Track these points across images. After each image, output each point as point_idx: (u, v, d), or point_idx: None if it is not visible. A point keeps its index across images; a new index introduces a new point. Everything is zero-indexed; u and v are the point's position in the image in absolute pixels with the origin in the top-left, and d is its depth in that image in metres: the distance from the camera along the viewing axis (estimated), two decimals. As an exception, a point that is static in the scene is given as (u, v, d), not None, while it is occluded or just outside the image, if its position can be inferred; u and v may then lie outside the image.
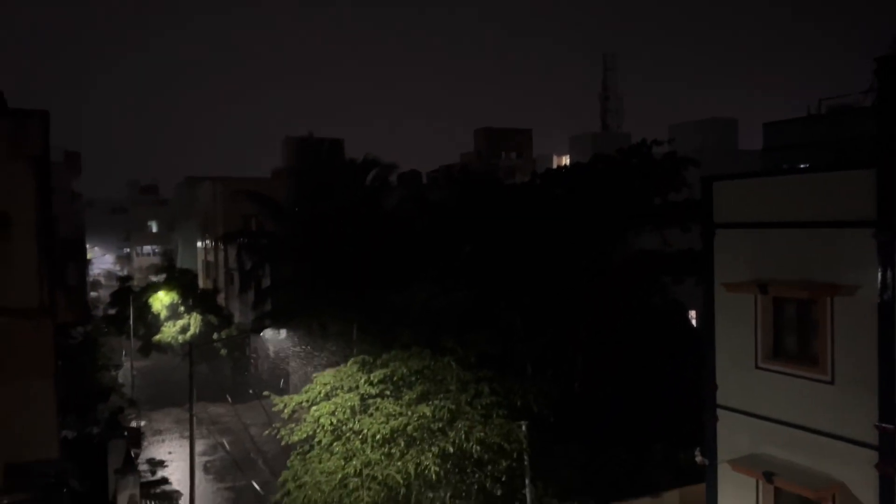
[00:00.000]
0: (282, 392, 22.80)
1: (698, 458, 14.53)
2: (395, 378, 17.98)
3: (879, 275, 11.07)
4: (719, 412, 14.01)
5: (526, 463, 16.44)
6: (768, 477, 12.36)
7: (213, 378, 28.99)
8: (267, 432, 19.56)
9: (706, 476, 14.38)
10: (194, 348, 15.50)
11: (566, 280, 22.29)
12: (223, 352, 39.93)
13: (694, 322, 28.51)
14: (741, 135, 39.58)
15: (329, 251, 29.47)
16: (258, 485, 19.55)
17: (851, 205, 11.63)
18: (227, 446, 28.50)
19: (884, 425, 11.01)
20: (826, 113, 27.21)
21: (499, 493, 17.03)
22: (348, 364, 19.25)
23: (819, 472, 12.01)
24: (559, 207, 22.93)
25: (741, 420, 13.51)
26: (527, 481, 16.18)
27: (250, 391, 26.73)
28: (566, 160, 49.39)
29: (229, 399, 23.66)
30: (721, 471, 13.82)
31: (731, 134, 38.42)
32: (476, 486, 17.15)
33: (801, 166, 21.68)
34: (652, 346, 22.43)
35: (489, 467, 16.98)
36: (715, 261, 14.12)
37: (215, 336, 39.33)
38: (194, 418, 15.32)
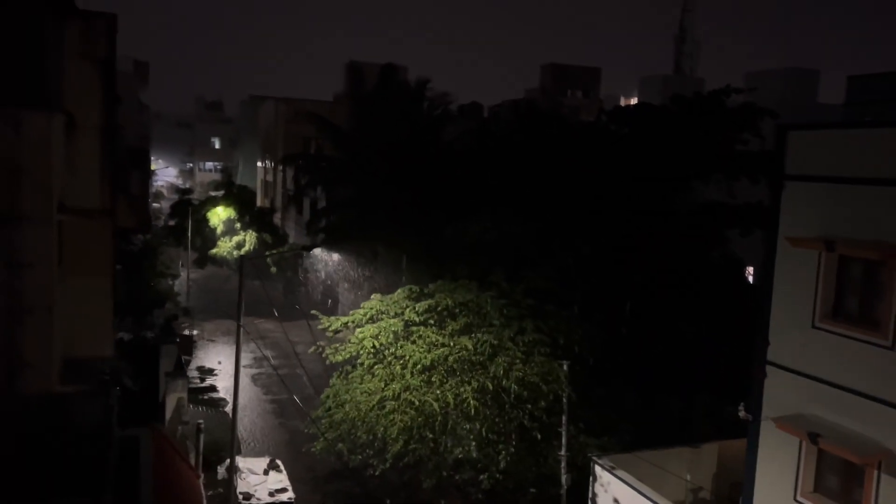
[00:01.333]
0: (330, 313, 23.19)
1: (742, 413, 14.25)
2: (439, 308, 18.04)
3: (957, 240, 10.44)
4: (769, 369, 13.65)
5: (565, 403, 16.44)
6: (813, 438, 12.06)
7: (265, 295, 29.70)
8: (312, 350, 19.98)
9: (748, 432, 14.14)
10: (246, 261, 15.74)
11: (625, 224, 21.82)
12: (275, 270, 40.72)
13: (750, 279, 27.78)
14: (823, 87, 37.65)
15: (386, 179, 29.44)
16: (301, 400, 20.08)
17: (935, 164, 10.91)
18: (274, 361, 29.32)
19: (942, 396, 10.57)
20: (918, 68, 25.49)
21: (536, 431, 17.12)
22: (396, 293, 19.37)
23: (867, 437, 11.66)
24: (625, 148, 22.28)
25: (790, 378, 13.15)
26: (563, 420, 16.21)
27: (296, 306, 27.22)
28: (634, 102, 47.86)
29: (276, 313, 24.18)
30: (764, 428, 13.55)
31: (812, 86, 36.60)
32: (514, 423, 17.27)
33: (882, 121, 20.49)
34: (706, 298, 21.95)
35: (528, 405, 17.04)
36: (781, 213, 13.53)
37: (269, 253, 40.11)
38: (243, 331, 15.67)
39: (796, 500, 12.99)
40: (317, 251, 36.26)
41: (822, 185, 12.85)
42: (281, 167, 48.87)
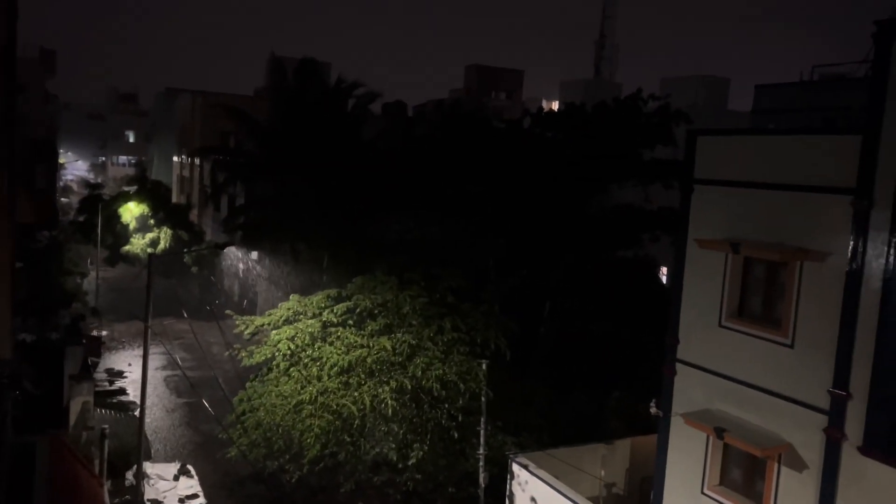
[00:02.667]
0: (247, 314, 22.63)
1: (653, 410, 14.66)
2: (358, 310, 17.85)
3: (851, 244, 10.98)
4: (678, 366, 14.07)
5: (483, 402, 16.52)
6: (719, 433, 12.48)
7: (181, 294, 28.79)
8: (228, 353, 19.44)
9: (658, 427, 14.54)
10: (157, 260, 15.16)
11: (544, 224, 22.12)
12: (193, 269, 39.56)
13: (664, 279, 28.65)
14: (733, 95, 39.20)
15: (305, 176, 28.95)
16: (215, 403, 19.52)
17: (832, 171, 11.45)
18: (187, 363, 28.45)
19: (836, 391, 11.08)
20: (819, 80, 26.90)
21: (454, 430, 17.15)
22: (317, 295, 19.04)
23: (769, 431, 12.14)
24: (546, 151, 22.57)
25: (699, 376, 13.58)
26: (482, 420, 16.30)
27: (207, 307, 26.50)
28: (556, 105, 48.70)
29: (185, 314, 23.42)
30: (674, 423, 13.96)
31: (723, 92, 38.06)
32: (432, 423, 17.25)
33: (787, 129, 21.46)
34: (620, 297, 22.50)
35: (446, 404, 17.05)
36: (691, 216, 13.96)
37: (185, 251, 38.93)
38: (156, 332, 15.11)
39: (703, 493, 13.43)
40: (235, 249, 35.38)
41: (728, 189, 13.32)
42: (198, 162, 47.45)
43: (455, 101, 41.86)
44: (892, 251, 10.53)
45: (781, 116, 26.53)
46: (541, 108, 25.66)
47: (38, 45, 43.01)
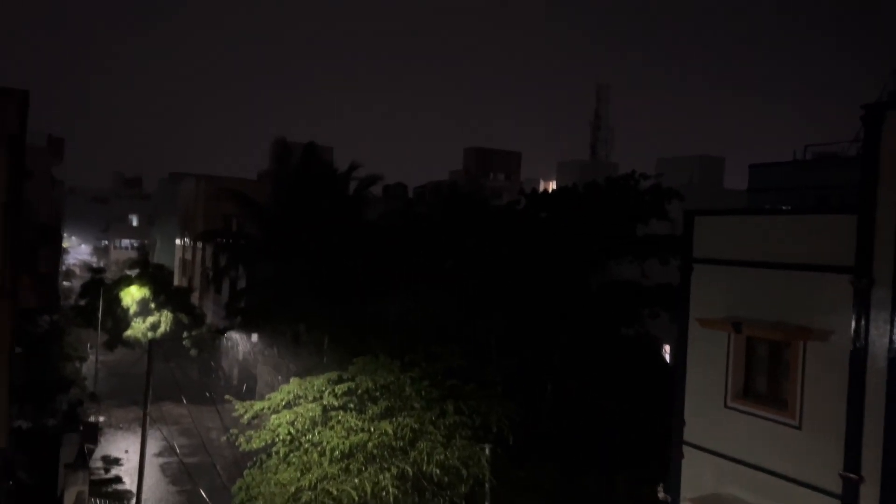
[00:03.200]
0: (246, 398, 22.35)
1: (661, 494, 14.33)
2: (359, 392, 17.63)
3: (853, 322, 10.96)
4: (685, 449, 13.81)
5: (486, 488, 16.12)
6: (729, 519, 12.16)
7: (180, 378, 28.47)
8: (225, 438, 19.09)
9: (667, 513, 14.16)
10: (157, 345, 15.10)
11: (543, 303, 22.11)
12: (193, 352, 39.29)
13: (667, 357, 28.40)
14: (728, 173, 39.81)
15: (307, 258, 29.13)
16: (213, 491, 19.04)
17: (830, 250, 11.54)
18: (185, 449, 27.89)
19: (848, 474, 10.85)
20: (812, 159, 27.39)
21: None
22: (318, 379, 18.84)
23: (780, 517, 11.83)
24: (542, 230, 22.80)
25: (706, 458, 13.32)
26: (486, 505, 15.88)
27: (207, 394, 26.19)
28: (553, 185, 49.46)
29: (184, 401, 23.11)
30: (683, 509, 13.60)
31: (718, 172, 38.69)
32: (434, 509, 16.78)
33: (784, 208, 21.69)
34: (624, 376, 22.26)
35: (448, 491, 16.63)
36: (691, 295, 13.99)
37: (185, 335, 38.73)
38: (154, 418, 14.90)
39: (716, 583, 12.96)
40: (235, 332, 35.24)
41: (728, 269, 13.39)
42: (200, 245, 47.79)
43: (452, 183, 42.53)
44: (895, 330, 10.51)
45: (776, 194, 26.87)
46: (535, 190, 26.09)
47: (46, 132, 43.97)
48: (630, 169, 23.13)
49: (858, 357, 10.92)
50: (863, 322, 10.86)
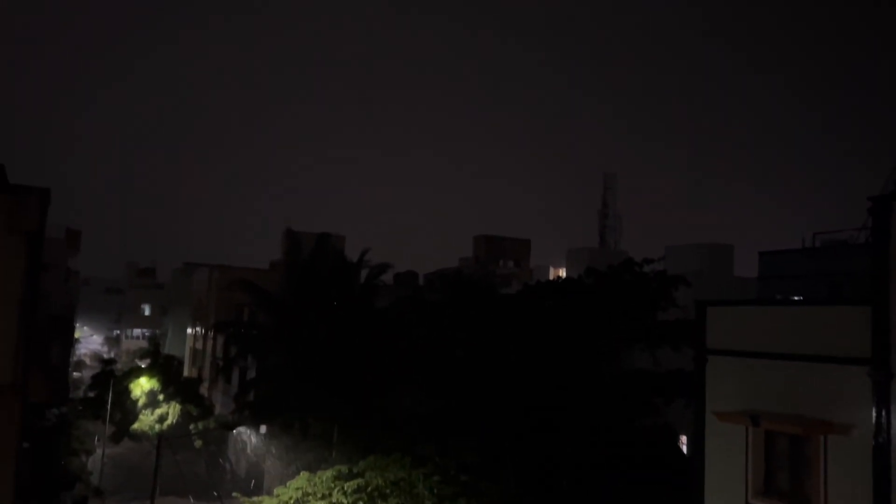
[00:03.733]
0: (254, 493, 21.84)
1: None
2: (369, 489, 17.23)
3: (874, 415, 10.76)
4: (707, 548, 13.33)
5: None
6: None
7: (186, 472, 27.93)
8: (233, 536, 18.59)
9: None
10: (165, 441, 14.92)
11: (555, 393, 21.80)
12: (199, 444, 38.66)
13: (684, 447, 27.71)
14: (737, 260, 39.78)
15: (318, 348, 29.01)
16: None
17: (846, 341, 11.45)
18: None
19: (879, 578, 10.41)
20: (820, 246, 27.47)
21: None
22: (327, 473, 18.49)
23: None
24: (551, 319, 22.71)
25: (730, 560, 12.83)
26: None
27: (215, 493, 25.65)
28: (563, 272, 49.55)
29: (190, 499, 22.61)
30: None
31: (727, 259, 38.59)
32: None
33: (796, 298, 21.63)
34: (639, 468, 21.67)
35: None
36: (707, 388, 13.81)
37: (192, 427, 38.21)
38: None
39: None
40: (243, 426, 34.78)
41: (743, 360, 13.25)
42: (211, 335, 47.74)
43: (460, 271, 42.71)
44: (917, 423, 10.29)
45: (787, 282, 26.83)
46: (539, 280, 26.20)
47: (64, 224, 44.76)
48: (639, 255, 23.23)
49: (882, 452, 10.66)
50: (884, 416, 10.65)
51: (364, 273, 32.84)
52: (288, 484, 18.66)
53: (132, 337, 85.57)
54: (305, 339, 29.38)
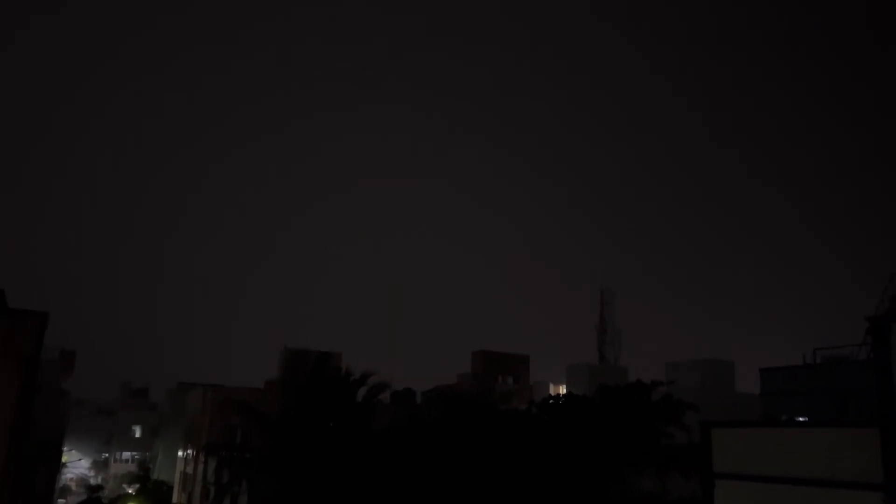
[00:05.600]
0: None
1: None
2: None
3: (892, 544, 10.36)
4: None
5: None
6: None
7: None
8: None
9: None
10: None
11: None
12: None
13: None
14: (739, 376, 39.43)
15: (313, 469, 28.14)
16: None
17: (857, 465, 11.19)
18: None
19: None
20: (821, 363, 27.38)
21: None
22: None
23: None
24: (555, 438, 22.25)
25: None
26: None
27: None
28: (563, 389, 48.95)
29: None
30: None
31: (728, 375, 38.29)
32: None
33: (801, 418, 21.30)
34: None
35: None
36: (717, 514, 13.35)
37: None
38: None
39: None
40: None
41: (751, 484, 12.89)
42: (203, 458, 46.38)
43: (458, 391, 42.04)
44: (937, 553, 9.89)
45: (790, 398, 26.53)
46: (545, 398, 25.85)
47: (58, 346, 44.43)
48: (639, 371, 23.23)
49: (903, 584, 10.18)
50: (902, 545, 10.25)
51: (362, 392, 32.35)
52: None
53: (121, 460, 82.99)
54: (300, 461, 28.53)
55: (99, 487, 47.68)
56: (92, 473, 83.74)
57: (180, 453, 58.45)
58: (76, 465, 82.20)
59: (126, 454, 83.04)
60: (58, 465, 43.48)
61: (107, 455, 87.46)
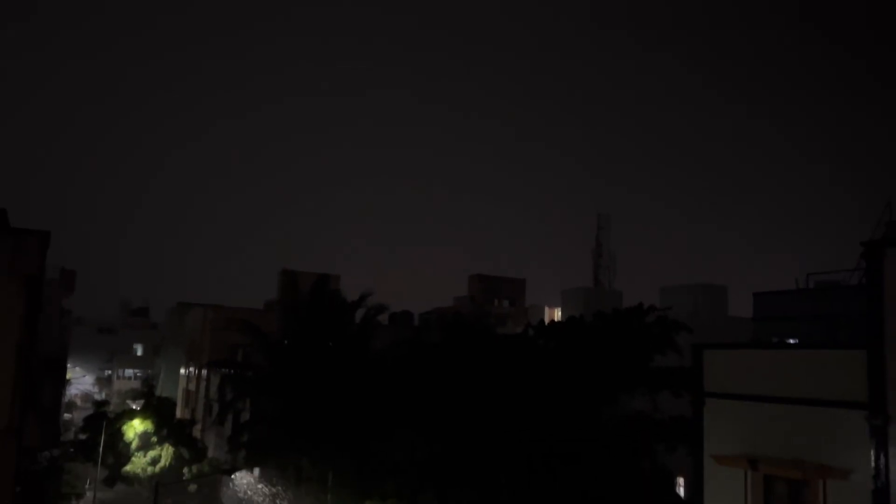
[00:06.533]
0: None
1: None
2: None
3: (873, 459, 10.79)
4: None
5: None
6: None
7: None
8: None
9: None
10: (161, 487, 14.79)
11: (555, 437, 21.70)
12: (192, 487, 38.11)
13: (681, 490, 27.51)
14: (733, 301, 39.92)
15: (313, 390, 28.83)
16: None
17: (843, 385, 11.55)
18: None
19: None
20: (814, 287, 27.70)
21: None
22: None
23: None
24: (552, 362, 22.71)
25: None
26: None
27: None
28: (558, 313, 49.60)
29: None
30: None
31: (721, 300, 38.72)
32: None
33: (791, 341, 21.73)
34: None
35: None
36: (705, 430, 13.84)
37: (185, 470, 37.70)
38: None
39: None
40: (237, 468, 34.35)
41: (740, 403, 13.31)
42: (205, 376, 47.43)
43: (456, 312, 42.62)
44: (915, 468, 10.33)
45: (782, 323, 27.00)
46: (542, 321, 26.19)
47: (59, 264, 44.63)
48: (634, 295, 23.52)
49: (881, 496, 10.68)
50: (882, 460, 10.69)
51: (360, 314, 32.80)
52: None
53: (124, 377, 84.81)
54: (301, 382, 29.20)
55: (105, 402, 48.73)
56: (96, 390, 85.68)
57: (182, 371, 59.68)
58: (81, 381, 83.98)
59: (129, 372, 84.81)
60: (63, 382, 44.34)
61: (110, 373, 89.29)
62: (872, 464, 10.74)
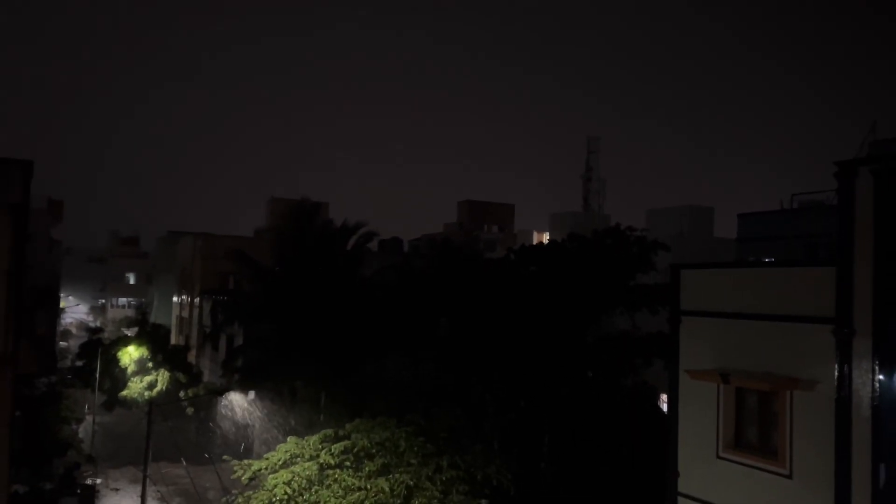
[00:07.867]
0: (244, 457, 22.31)
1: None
2: (356, 449, 17.71)
3: (837, 372, 11.25)
4: (680, 500, 13.92)
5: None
6: (726, 571, 12.22)
7: (176, 438, 28.43)
8: (225, 499, 19.07)
9: (666, 567, 14.17)
10: (156, 407, 15.26)
11: (538, 357, 22.30)
12: (189, 410, 39.13)
13: (664, 406, 28.48)
14: (718, 222, 40.35)
15: (305, 315, 29.31)
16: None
17: (812, 301, 11.90)
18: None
19: (840, 523, 10.99)
20: (798, 208, 27.97)
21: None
22: (314, 436, 18.92)
23: (776, 568, 11.90)
24: (533, 284, 23.12)
25: (701, 510, 13.42)
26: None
27: (206, 455, 26.14)
28: (546, 237, 49.98)
29: (184, 462, 23.06)
30: (680, 562, 13.64)
31: (708, 221, 39.18)
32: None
33: (768, 259, 22.12)
34: (621, 427, 22.33)
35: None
36: (680, 347, 14.28)
37: (182, 394, 38.61)
38: (152, 479, 14.97)
39: None
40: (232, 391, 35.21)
41: (715, 320, 13.71)
42: (197, 303, 47.97)
43: (445, 238, 42.94)
44: (876, 378, 10.79)
45: (765, 243, 27.39)
46: (524, 245, 26.46)
47: (46, 194, 44.54)
48: (623, 220, 23.69)
49: (843, 406, 11.17)
50: (846, 372, 11.14)
51: (351, 242, 33.02)
52: (277, 447, 19.12)
53: (117, 306, 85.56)
54: (292, 307, 29.65)
55: (100, 330, 49.44)
56: (90, 318, 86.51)
57: (175, 299, 60.24)
58: (74, 310, 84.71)
59: (122, 300, 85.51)
60: (56, 310, 44.86)
61: (103, 301, 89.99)
62: (836, 376, 11.20)
